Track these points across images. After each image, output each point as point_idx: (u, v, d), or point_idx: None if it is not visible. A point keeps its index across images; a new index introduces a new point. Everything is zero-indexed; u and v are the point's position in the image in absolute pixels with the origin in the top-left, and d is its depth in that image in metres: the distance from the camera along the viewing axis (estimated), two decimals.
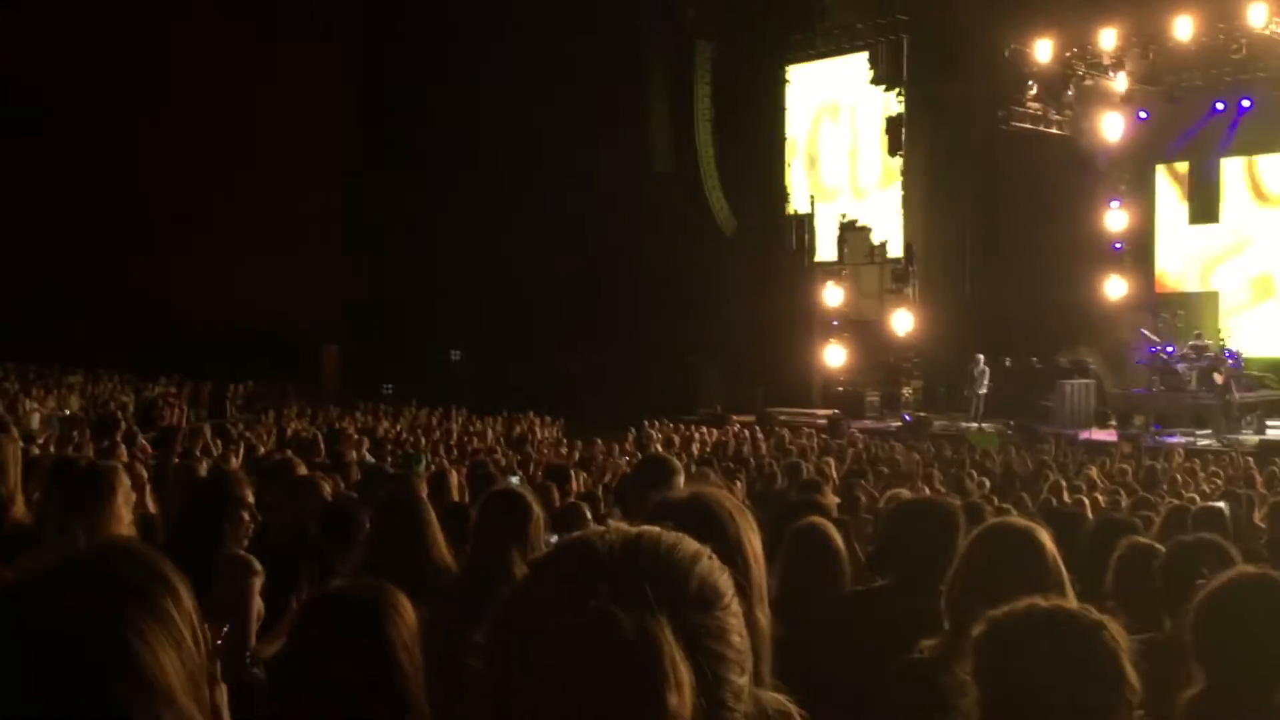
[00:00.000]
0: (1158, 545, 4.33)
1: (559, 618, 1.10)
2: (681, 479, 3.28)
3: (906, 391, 22.17)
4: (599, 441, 13.31)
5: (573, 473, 7.91)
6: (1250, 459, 13.75)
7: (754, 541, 2.04)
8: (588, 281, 24.02)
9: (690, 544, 1.20)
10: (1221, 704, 2.59)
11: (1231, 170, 22.61)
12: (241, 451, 9.13)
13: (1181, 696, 2.71)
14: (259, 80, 26.04)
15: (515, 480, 6.34)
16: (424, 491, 5.47)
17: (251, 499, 3.88)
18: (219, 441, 9.45)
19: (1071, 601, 2.43)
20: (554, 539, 3.57)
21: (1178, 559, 3.96)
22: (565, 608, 1.10)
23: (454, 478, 6.78)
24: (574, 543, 1.20)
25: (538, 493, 5.21)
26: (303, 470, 5.98)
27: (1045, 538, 2.94)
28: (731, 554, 1.25)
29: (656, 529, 1.21)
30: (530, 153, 24.45)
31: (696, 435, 15.60)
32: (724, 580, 1.19)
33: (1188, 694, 2.69)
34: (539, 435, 15.34)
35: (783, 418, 20.50)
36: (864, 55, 23.67)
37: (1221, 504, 8.23)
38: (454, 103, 25.45)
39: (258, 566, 3.55)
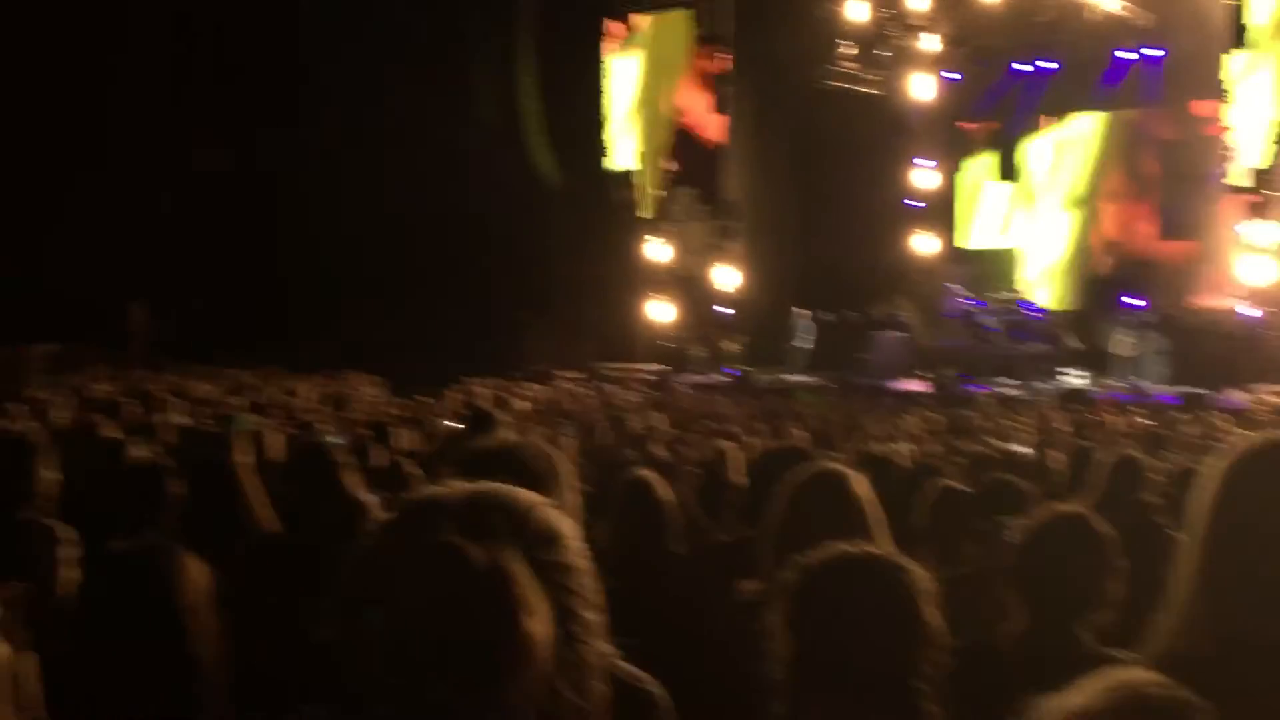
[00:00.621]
0: (965, 488, 4.54)
1: (411, 561, 1.13)
2: (507, 434, 3.26)
3: (731, 346, 22.58)
4: (423, 400, 13.14)
5: (397, 430, 7.78)
6: (1053, 406, 14.51)
7: (565, 494, 2.04)
8: (410, 238, 23.57)
9: (530, 493, 1.26)
10: (1044, 638, 2.73)
11: (1035, 130, 23.66)
12: (44, 416, 8.68)
13: (1004, 631, 2.85)
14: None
15: (335, 440, 6.19)
16: (242, 453, 5.30)
17: (50, 462, 3.70)
18: (20, 407, 8.96)
19: (883, 544, 2.52)
20: (373, 498, 3.50)
21: (983, 501, 4.17)
22: (416, 551, 1.14)
23: (273, 438, 6.59)
24: (418, 497, 1.25)
25: (358, 450, 5.11)
26: (110, 433, 5.73)
27: (861, 483, 3.04)
28: None
29: (497, 484, 1.25)
30: (350, 109, 23.78)
31: (524, 392, 15.55)
32: (567, 524, 1.24)
33: (1011, 630, 2.82)
34: (360, 395, 15.04)
35: (610, 374, 20.63)
36: (689, 12, 23.78)
37: (1025, 449, 8.70)
38: (273, 54, 24.50)
39: (65, 533, 3.39)
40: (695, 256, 23.34)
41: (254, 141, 24.33)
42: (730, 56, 23.06)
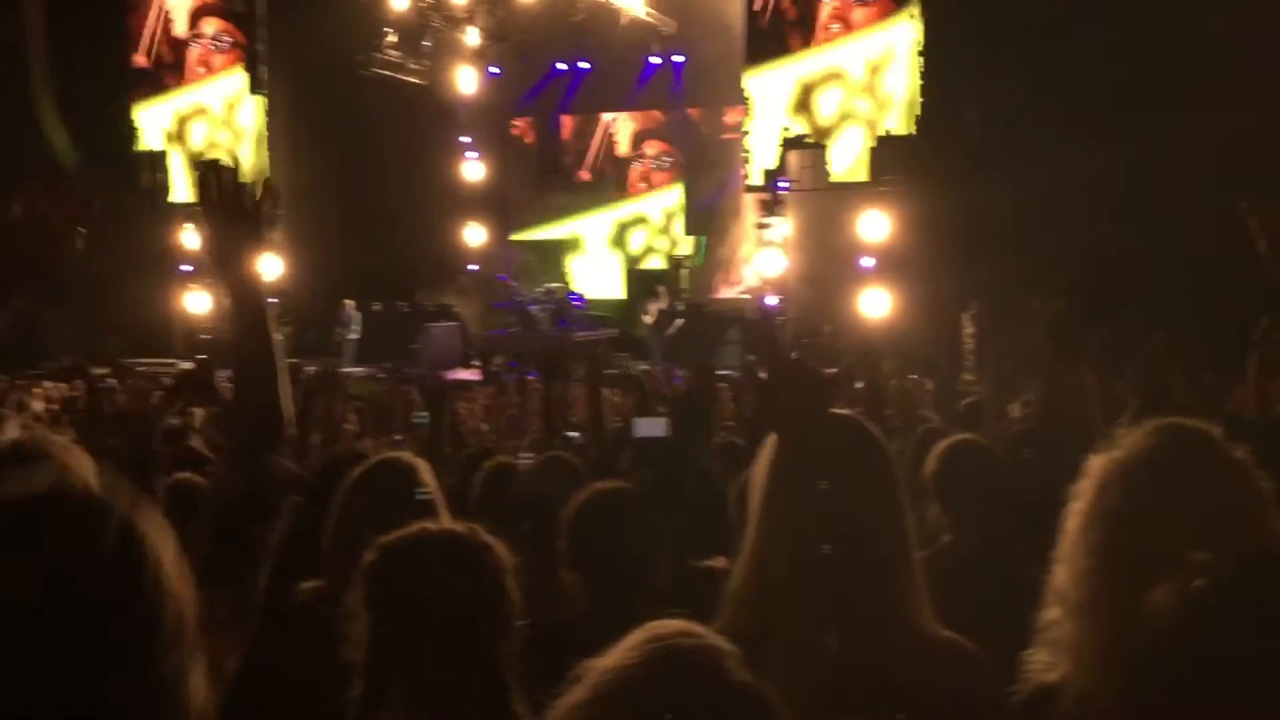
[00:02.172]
0: (514, 462, 4.63)
1: None
2: (12, 432, 2.90)
3: (276, 337, 21.70)
4: None
5: None
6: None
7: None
8: None
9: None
10: (604, 611, 2.80)
11: (572, 128, 24.67)
12: None
13: (564, 606, 2.90)
14: None
15: None
16: None
17: None
18: None
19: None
20: None
21: (537, 477, 4.26)
22: None
23: None
24: None
25: None
26: None
27: (424, 469, 3.01)
28: None
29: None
30: None
31: (39, 390, 14.09)
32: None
33: (571, 605, 2.88)
34: None
35: (141, 369, 19.17)
36: None
37: (575, 434, 9.03)
38: None
39: None
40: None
41: None
42: (264, 35, 22.12)
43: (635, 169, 24.53)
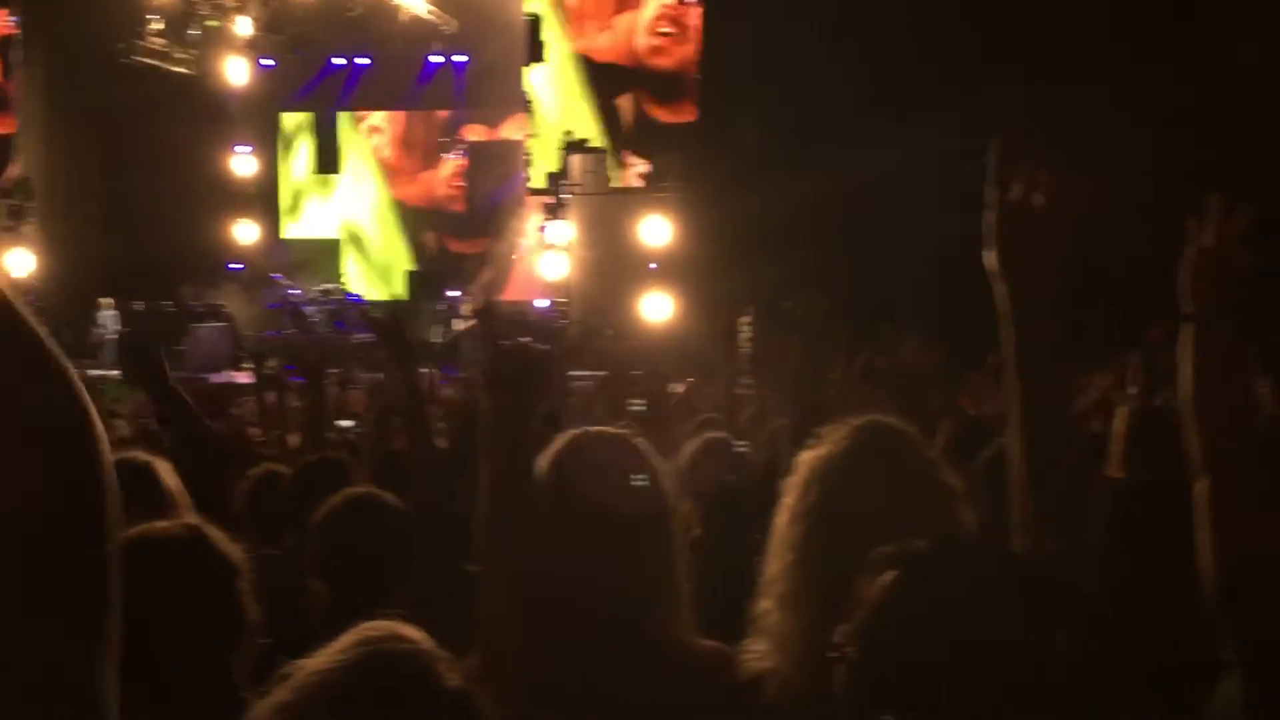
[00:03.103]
0: (284, 469, 4.49)
1: None
2: None
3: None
4: None
5: None
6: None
7: None
8: None
9: None
10: (343, 615, 2.72)
11: (349, 124, 24.10)
12: None
13: (308, 612, 2.82)
14: None
15: None
16: None
17: None
18: None
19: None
20: None
21: (300, 480, 4.14)
22: None
23: None
24: None
25: None
26: None
27: (164, 469, 2.89)
28: None
29: None
30: None
31: None
32: None
33: (314, 611, 2.80)
34: None
35: None
36: None
37: (350, 422, 8.91)
38: None
39: None
40: None
41: None
42: (20, 19, 20.75)
43: (412, 166, 24.22)
